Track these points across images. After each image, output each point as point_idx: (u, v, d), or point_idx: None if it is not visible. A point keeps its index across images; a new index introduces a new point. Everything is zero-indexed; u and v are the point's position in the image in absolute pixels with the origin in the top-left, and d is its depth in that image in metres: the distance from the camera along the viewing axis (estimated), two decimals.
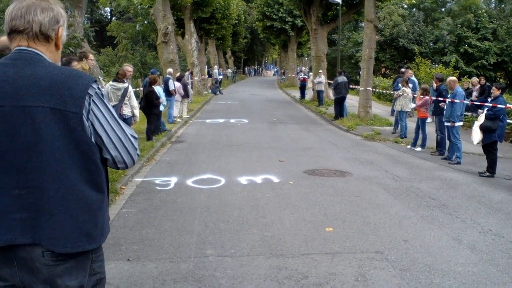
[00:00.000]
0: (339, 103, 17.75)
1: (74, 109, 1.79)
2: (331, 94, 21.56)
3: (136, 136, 2.07)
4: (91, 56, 6.80)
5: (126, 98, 8.83)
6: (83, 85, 1.83)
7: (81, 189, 1.84)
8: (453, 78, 11.11)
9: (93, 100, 1.85)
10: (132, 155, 2.00)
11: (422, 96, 11.71)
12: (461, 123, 10.49)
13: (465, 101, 10.57)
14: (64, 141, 1.78)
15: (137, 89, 17.34)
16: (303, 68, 35.54)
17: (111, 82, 9.08)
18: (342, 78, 17.67)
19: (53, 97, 1.77)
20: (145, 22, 34.82)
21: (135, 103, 9.15)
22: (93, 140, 1.87)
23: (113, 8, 49.17)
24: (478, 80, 16.41)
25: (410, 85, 14.38)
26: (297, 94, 29.60)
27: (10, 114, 1.76)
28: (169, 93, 15.26)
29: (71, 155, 1.80)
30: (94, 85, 1.87)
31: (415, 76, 18.77)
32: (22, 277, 1.84)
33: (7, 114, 1.76)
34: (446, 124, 10.49)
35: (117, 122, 1.95)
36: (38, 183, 1.79)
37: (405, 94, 13.29)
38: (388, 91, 21.99)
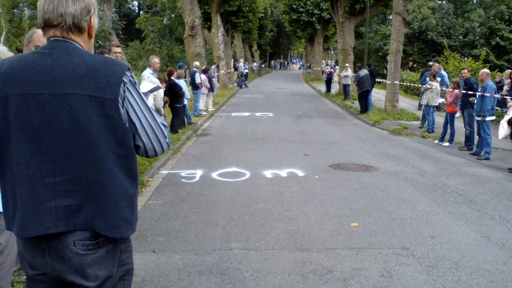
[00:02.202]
0: (364, 97, 17.54)
1: (110, 96, 1.80)
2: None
3: (166, 124, 2.09)
4: (114, 49, 6.83)
5: (153, 95, 8.80)
6: (118, 72, 1.85)
7: (118, 175, 1.86)
8: (486, 70, 10.75)
9: (127, 88, 1.87)
10: (162, 143, 2.02)
11: (451, 90, 11.47)
12: (492, 117, 10.21)
13: (495, 95, 10.31)
14: (102, 128, 1.80)
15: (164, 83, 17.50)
16: (330, 61, 35.14)
17: (150, 71, 9.75)
18: (363, 72, 17.45)
19: (90, 85, 1.78)
20: (173, 15, 35.12)
21: (161, 104, 8.97)
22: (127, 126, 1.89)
23: (141, 2, 49.67)
24: (509, 73, 15.87)
25: (438, 79, 14.10)
26: (322, 88, 29.39)
27: (48, 102, 1.78)
28: (195, 86, 15.37)
29: (108, 142, 1.82)
30: (128, 73, 1.88)
31: (444, 70, 18.36)
32: (53, 266, 1.87)
33: (45, 102, 1.78)
34: (476, 118, 10.25)
35: (149, 110, 1.97)
36: (77, 169, 1.81)
37: (432, 87, 13.04)
38: (415, 85, 21.62)
